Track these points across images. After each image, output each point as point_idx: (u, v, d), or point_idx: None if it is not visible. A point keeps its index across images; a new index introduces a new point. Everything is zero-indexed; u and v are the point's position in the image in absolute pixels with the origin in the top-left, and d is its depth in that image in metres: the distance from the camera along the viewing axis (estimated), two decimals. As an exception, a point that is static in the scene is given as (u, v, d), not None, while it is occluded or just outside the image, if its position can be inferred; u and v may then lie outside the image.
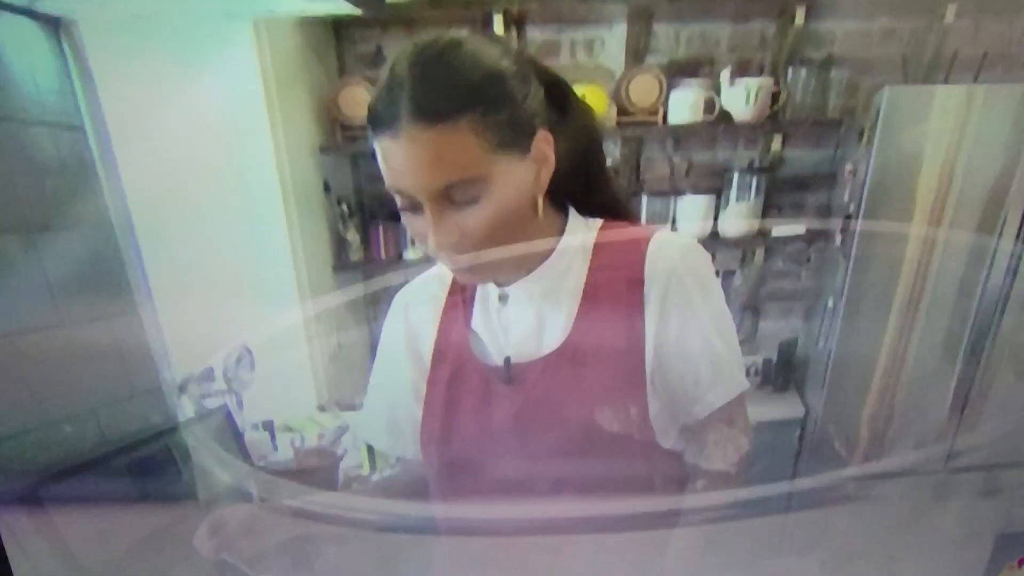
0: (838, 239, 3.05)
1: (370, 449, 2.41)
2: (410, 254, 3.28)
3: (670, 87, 3.15)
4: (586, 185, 1.24)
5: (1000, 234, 2.81)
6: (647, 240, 1.16)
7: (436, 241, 1.02)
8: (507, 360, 1.17)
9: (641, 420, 1.15)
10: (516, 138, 1.02)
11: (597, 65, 3.32)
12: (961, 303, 2.92)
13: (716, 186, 3.39)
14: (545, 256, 1.18)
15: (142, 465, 1.85)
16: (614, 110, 3.16)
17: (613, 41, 3.29)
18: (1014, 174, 2.73)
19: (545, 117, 1.07)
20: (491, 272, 1.15)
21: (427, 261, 3.28)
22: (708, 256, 1.18)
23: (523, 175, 1.05)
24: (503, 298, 1.20)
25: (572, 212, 1.22)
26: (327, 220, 3.16)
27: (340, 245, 3.24)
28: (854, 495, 3.22)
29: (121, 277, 1.98)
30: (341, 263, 3.24)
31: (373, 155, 3.17)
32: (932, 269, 2.86)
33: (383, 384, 1.36)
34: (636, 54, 3.29)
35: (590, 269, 1.17)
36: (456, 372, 1.21)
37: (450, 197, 1.00)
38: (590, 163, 1.24)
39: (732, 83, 3.14)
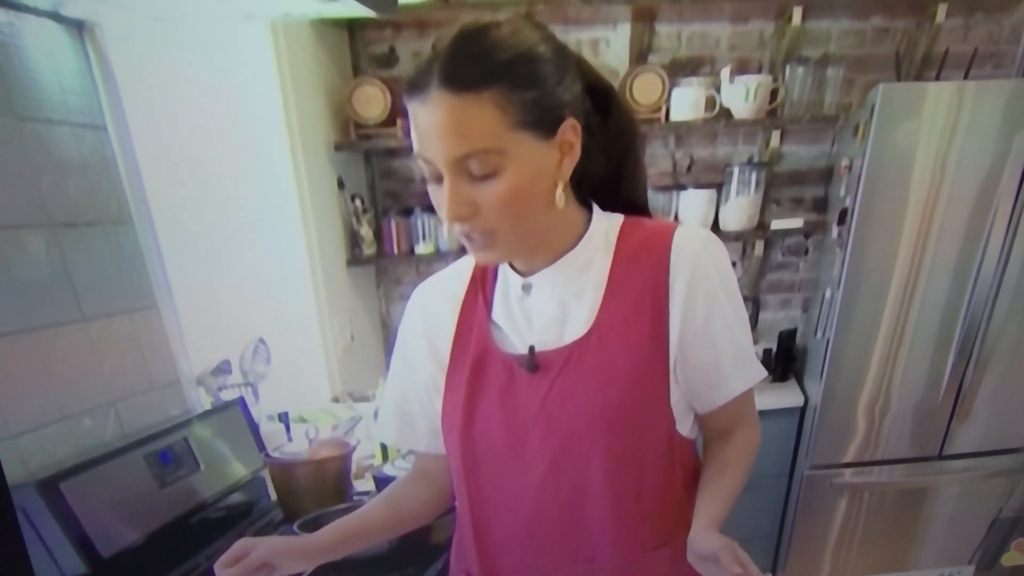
0: (835, 232, 3.04)
1: (383, 440, 2.38)
2: (421, 248, 3.26)
3: (672, 85, 3.15)
4: (617, 184, 1.24)
5: (991, 225, 2.80)
6: (671, 232, 1.16)
7: (448, 210, 1.02)
8: (531, 349, 1.17)
9: (662, 406, 1.16)
10: (541, 120, 1.01)
11: (602, 64, 3.29)
12: (954, 293, 2.92)
13: (717, 181, 3.38)
14: (570, 247, 1.17)
15: (160, 456, 1.83)
16: (618, 108, 3.11)
17: (617, 41, 3.28)
18: (1003, 167, 2.73)
19: (579, 109, 1.07)
20: (504, 253, 1.14)
21: (438, 255, 3.25)
22: (726, 249, 1.19)
23: (543, 158, 1.04)
24: (526, 288, 1.19)
25: (595, 207, 1.21)
26: (341, 216, 3.15)
27: (353, 240, 3.22)
28: (852, 482, 3.21)
29: (141, 272, 1.96)
30: (354, 257, 3.22)
31: (387, 152, 3.13)
32: (926, 260, 2.87)
33: (399, 381, 1.35)
34: (639, 53, 3.29)
35: (614, 260, 1.18)
36: (478, 362, 1.20)
37: (468, 169, 0.99)
38: (625, 165, 1.24)
39: (732, 81, 3.14)
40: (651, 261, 1.15)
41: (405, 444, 1.39)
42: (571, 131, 1.05)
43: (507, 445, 1.18)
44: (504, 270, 1.23)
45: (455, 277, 1.29)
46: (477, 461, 1.22)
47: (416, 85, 0.97)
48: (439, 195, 1.04)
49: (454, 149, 0.97)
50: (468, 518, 1.27)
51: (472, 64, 0.94)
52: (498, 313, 1.22)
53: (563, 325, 1.17)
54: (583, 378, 1.14)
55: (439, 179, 1.02)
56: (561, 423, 1.14)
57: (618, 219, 1.22)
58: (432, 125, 0.96)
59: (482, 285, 1.25)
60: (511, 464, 1.19)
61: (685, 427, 1.21)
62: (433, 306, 1.29)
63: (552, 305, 1.18)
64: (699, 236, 1.17)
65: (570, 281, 1.17)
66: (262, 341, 2.41)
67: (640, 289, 1.14)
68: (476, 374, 1.20)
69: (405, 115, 3.23)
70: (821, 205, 3.51)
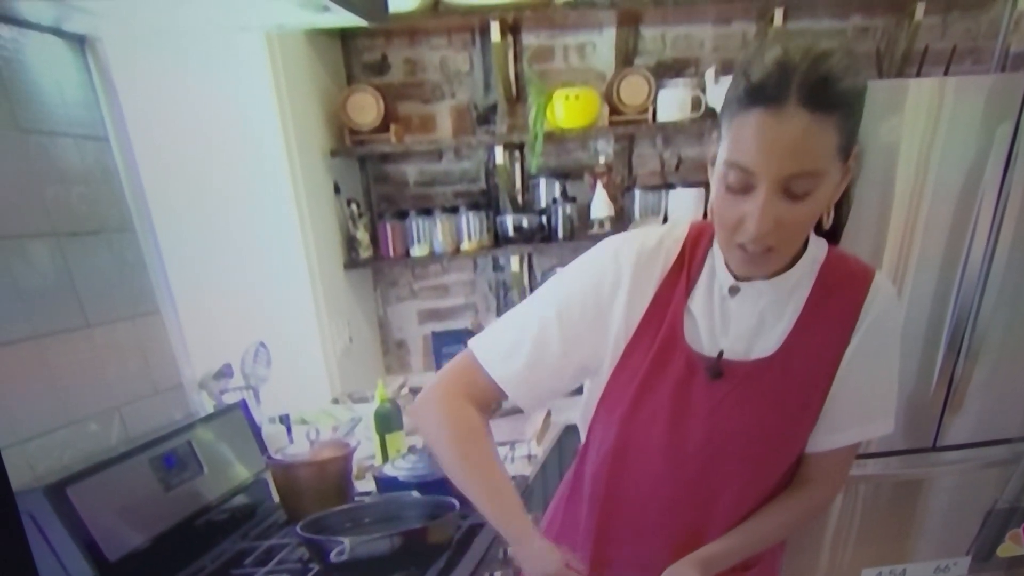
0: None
1: (382, 440, 2.40)
2: (416, 250, 3.28)
3: (658, 87, 3.18)
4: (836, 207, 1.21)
5: (976, 217, 2.80)
6: (871, 276, 1.19)
7: (759, 226, 1.01)
8: (720, 354, 1.17)
9: (805, 435, 1.21)
10: (847, 147, 1.02)
11: (589, 68, 3.37)
12: (942, 285, 2.91)
13: (705, 179, 3.33)
14: (786, 265, 1.17)
15: (164, 460, 1.83)
16: (606, 110, 3.19)
17: (603, 45, 3.32)
18: (987, 160, 2.73)
19: None
20: (775, 267, 1.14)
21: (433, 256, 3.24)
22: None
23: (837, 183, 1.05)
24: (734, 290, 1.18)
25: (811, 232, 1.20)
26: (337, 220, 3.18)
27: (350, 243, 3.25)
28: (848, 474, 3.19)
29: (143, 279, 1.97)
30: (351, 260, 3.24)
31: (381, 157, 3.13)
32: (913, 253, 2.86)
33: (554, 331, 1.23)
34: (625, 56, 3.33)
35: (814, 288, 1.18)
36: (663, 351, 1.19)
37: (789, 187, 0.99)
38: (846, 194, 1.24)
39: (717, 81, 3.16)
40: (847, 300, 1.17)
41: (507, 385, 1.25)
42: (855, 158, 1.07)
43: (663, 443, 1.19)
44: (715, 261, 1.20)
45: (667, 241, 1.23)
46: (627, 451, 1.22)
47: (768, 96, 0.95)
48: (738, 206, 1.03)
49: (792, 166, 0.97)
50: (597, 505, 1.27)
51: (830, 87, 0.94)
52: (697, 303, 1.20)
53: (754, 339, 1.18)
54: (756, 399, 1.15)
55: (745, 190, 1.01)
56: (722, 436, 1.16)
57: (823, 246, 1.22)
58: (779, 139, 0.96)
59: (688, 268, 1.21)
60: (659, 462, 1.20)
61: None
62: (642, 272, 1.21)
63: (752, 316, 1.18)
64: (891, 290, 1.20)
65: (776, 298, 1.17)
66: (263, 345, 2.42)
67: (830, 325, 1.17)
68: (657, 362, 1.19)
69: (397, 121, 3.24)
70: (808, 202, 3.51)
